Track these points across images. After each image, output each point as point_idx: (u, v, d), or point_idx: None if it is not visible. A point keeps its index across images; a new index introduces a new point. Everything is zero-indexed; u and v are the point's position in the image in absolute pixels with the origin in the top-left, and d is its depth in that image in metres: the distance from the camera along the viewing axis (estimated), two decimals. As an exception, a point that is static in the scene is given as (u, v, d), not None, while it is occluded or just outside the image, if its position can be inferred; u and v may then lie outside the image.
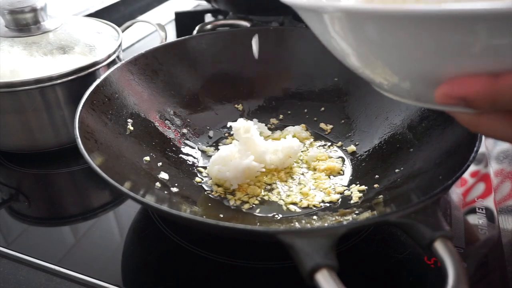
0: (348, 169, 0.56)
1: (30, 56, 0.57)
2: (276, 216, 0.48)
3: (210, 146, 0.60)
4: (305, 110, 0.65)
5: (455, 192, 0.54)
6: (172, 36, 1.01)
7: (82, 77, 0.57)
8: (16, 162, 0.61)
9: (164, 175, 0.51)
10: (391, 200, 0.46)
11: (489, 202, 0.52)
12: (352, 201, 0.49)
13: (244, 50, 0.67)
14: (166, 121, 0.59)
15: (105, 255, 0.46)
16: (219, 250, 0.46)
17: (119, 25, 0.70)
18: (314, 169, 0.55)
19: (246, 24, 0.79)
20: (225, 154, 0.51)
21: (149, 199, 0.44)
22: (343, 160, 0.57)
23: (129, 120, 0.54)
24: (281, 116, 0.65)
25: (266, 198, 0.51)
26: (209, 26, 0.86)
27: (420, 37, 0.25)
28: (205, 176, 0.54)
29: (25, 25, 0.60)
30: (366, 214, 0.45)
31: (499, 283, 0.42)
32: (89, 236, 0.49)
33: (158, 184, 0.49)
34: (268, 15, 0.90)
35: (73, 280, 0.43)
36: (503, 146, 0.64)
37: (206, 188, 0.53)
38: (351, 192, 0.51)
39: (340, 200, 0.50)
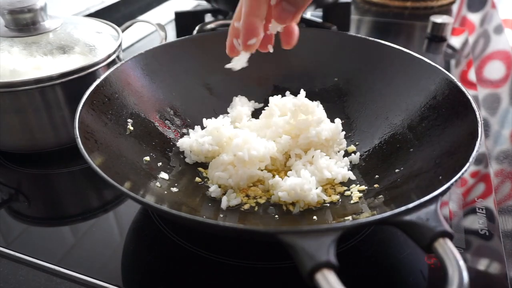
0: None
1: (30, 56, 0.57)
2: (276, 216, 0.48)
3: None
4: (305, 110, 0.65)
5: (455, 192, 0.54)
6: (172, 36, 1.01)
7: (82, 77, 0.57)
8: (16, 162, 0.61)
9: (164, 175, 0.51)
10: (391, 200, 0.46)
11: (489, 202, 0.52)
12: (352, 201, 0.49)
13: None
14: (166, 121, 0.59)
15: (105, 255, 0.46)
16: (219, 250, 0.45)
17: (119, 25, 0.70)
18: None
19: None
20: (224, 160, 0.51)
21: (149, 199, 0.44)
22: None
23: (129, 120, 0.54)
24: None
25: (266, 198, 0.51)
26: (209, 26, 0.86)
27: None
28: (205, 176, 0.54)
29: (25, 25, 0.60)
30: (366, 214, 0.45)
31: (499, 284, 0.42)
32: (89, 236, 0.49)
33: (158, 184, 0.49)
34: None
35: (73, 280, 0.43)
36: (503, 146, 0.64)
37: (206, 188, 0.53)
38: (351, 192, 0.51)
39: (340, 200, 0.50)
